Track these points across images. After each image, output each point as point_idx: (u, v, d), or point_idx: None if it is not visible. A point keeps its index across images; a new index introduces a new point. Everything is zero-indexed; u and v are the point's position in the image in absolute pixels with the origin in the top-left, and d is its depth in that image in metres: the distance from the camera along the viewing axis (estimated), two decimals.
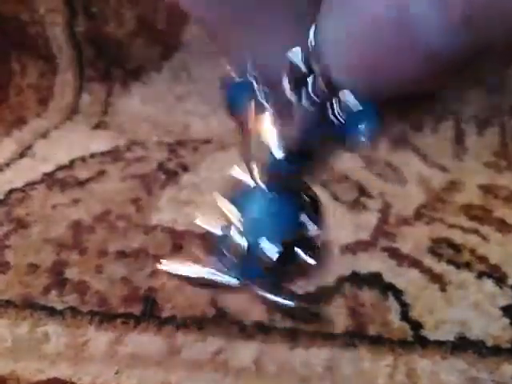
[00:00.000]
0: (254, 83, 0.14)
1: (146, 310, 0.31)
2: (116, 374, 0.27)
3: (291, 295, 0.15)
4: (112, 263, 0.35)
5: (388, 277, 0.35)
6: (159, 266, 0.17)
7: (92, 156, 0.51)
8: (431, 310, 0.32)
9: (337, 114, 0.12)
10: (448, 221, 0.42)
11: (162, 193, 0.45)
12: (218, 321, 0.31)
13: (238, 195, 0.15)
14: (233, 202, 0.15)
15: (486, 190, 0.47)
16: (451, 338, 0.30)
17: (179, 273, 0.16)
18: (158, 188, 0.46)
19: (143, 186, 0.46)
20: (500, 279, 0.35)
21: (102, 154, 0.52)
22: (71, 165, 0.49)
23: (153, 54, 0.63)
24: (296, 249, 0.14)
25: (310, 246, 0.14)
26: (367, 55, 0.10)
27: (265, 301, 0.15)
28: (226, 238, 0.15)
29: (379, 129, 0.12)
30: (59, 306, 0.31)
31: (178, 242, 0.38)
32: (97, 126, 0.59)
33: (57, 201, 0.43)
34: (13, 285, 0.33)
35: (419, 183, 0.48)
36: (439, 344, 0.30)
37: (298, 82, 0.12)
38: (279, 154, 0.12)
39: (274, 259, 0.14)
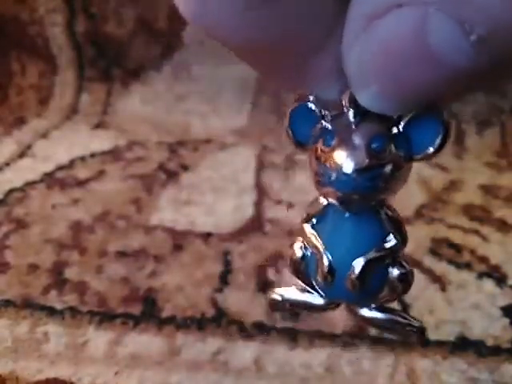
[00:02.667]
0: (316, 108, 0.13)
1: (146, 310, 0.31)
2: (116, 374, 0.27)
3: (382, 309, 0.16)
4: (112, 263, 0.35)
5: None
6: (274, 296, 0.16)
7: (92, 156, 0.51)
8: (431, 310, 0.32)
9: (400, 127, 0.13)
10: (448, 221, 0.42)
11: (162, 193, 0.45)
12: (218, 321, 0.31)
13: (316, 216, 0.15)
14: (312, 224, 0.15)
15: (486, 190, 0.47)
16: (451, 338, 0.30)
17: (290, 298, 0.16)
18: (158, 188, 0.46)
19: (143, 186, 0.46)
20: (500, 279, 0.35)
21: (102, 153, 0.52)
22: (71, 165, 0.49)
23: (153, 53, 0.63)
24: (380, 265, 0.14)
25: (396, 262, 0.14)
26: (390, 75, 0.11)
27: (356, 315, 0.15)
28: (305, 258, 0.15)
29: (445, 137, 0.13)
30: (59, 306, 0.31)
31: (178, 242, 0.38)
32: (97, 126, 0.59)
33: (57, 201, 0.43)
34: (13, 285, 0.33)
35: (419, 183, 0.48)
36: (439, 344, 0.30)
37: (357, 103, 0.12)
38: (352, 172, 0.12)
39: (357, 277, 0.14)
